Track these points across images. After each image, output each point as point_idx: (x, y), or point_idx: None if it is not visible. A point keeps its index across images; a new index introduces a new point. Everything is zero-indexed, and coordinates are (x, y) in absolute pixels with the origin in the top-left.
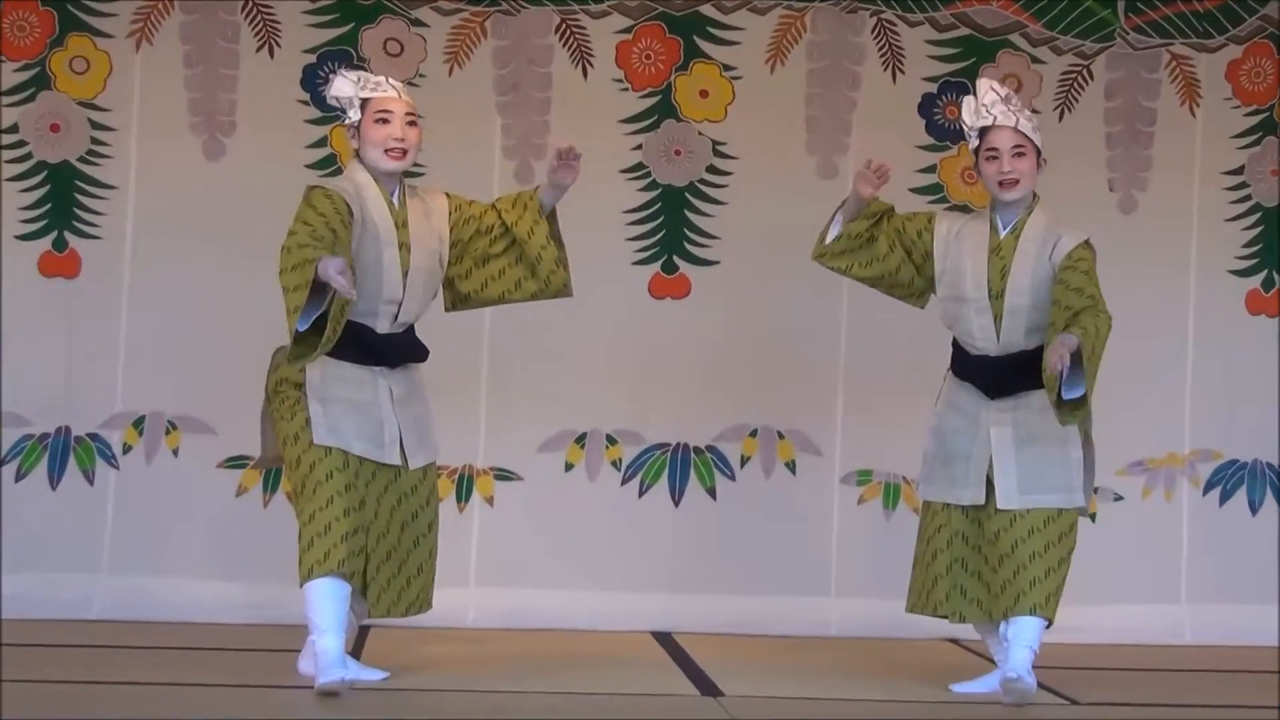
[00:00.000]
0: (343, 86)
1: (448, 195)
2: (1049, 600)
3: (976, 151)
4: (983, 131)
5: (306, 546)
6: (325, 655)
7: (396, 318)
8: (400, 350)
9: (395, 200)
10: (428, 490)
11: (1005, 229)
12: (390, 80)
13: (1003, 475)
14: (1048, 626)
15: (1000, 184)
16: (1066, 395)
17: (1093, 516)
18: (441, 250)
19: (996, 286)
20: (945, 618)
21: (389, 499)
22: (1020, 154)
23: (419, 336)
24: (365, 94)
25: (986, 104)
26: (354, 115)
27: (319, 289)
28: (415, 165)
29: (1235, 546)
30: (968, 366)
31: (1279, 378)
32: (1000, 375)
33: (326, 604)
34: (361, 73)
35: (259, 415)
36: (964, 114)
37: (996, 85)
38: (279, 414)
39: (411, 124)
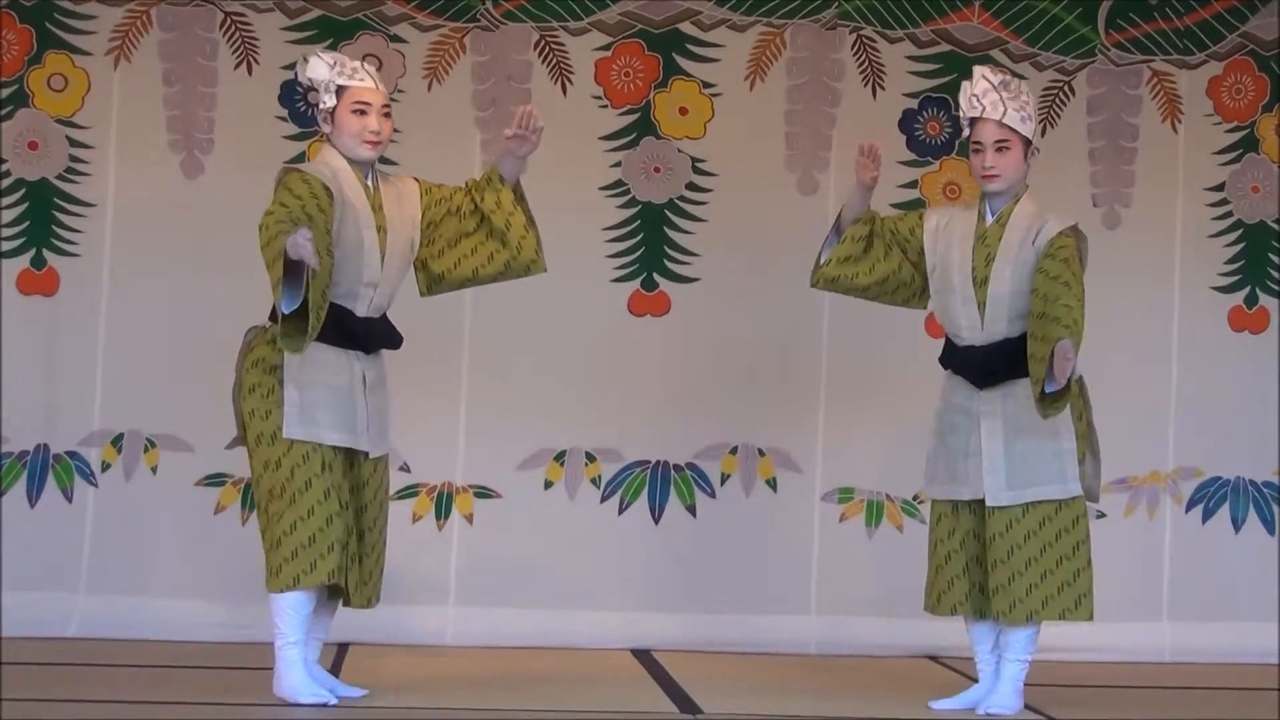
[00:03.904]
0: (318, 69)
1: (416, 179)
2: (1047, 604)
3: (967, 141)
4: (972, 122)
5: (290, 555)
6: (299, 665)
7: (373, 301)
8: (377, 335)
9: (370, 184)
10: (378, 482)
11: (992, 217)
12: (365, 66)
13: (991, 471)
14: (1089, 619)
15: (983, 177)
16: (1048, 389)
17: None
18: (413, 234)
19: (981, 274)
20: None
21: (348, 483)
22: (1003, 148)
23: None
24: (342, 81)
25: (978, 93)
26: (329, 101)
27: (294, 269)
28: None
29: (1218, 564)
30: (956, 358)
31: (1271, 394)
32: (986, 364)
33: (300, 614)
34: (336, 55)
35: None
36: (960, 101)
37: (990, 73)
38: (252, 406)
39: (386, 115)
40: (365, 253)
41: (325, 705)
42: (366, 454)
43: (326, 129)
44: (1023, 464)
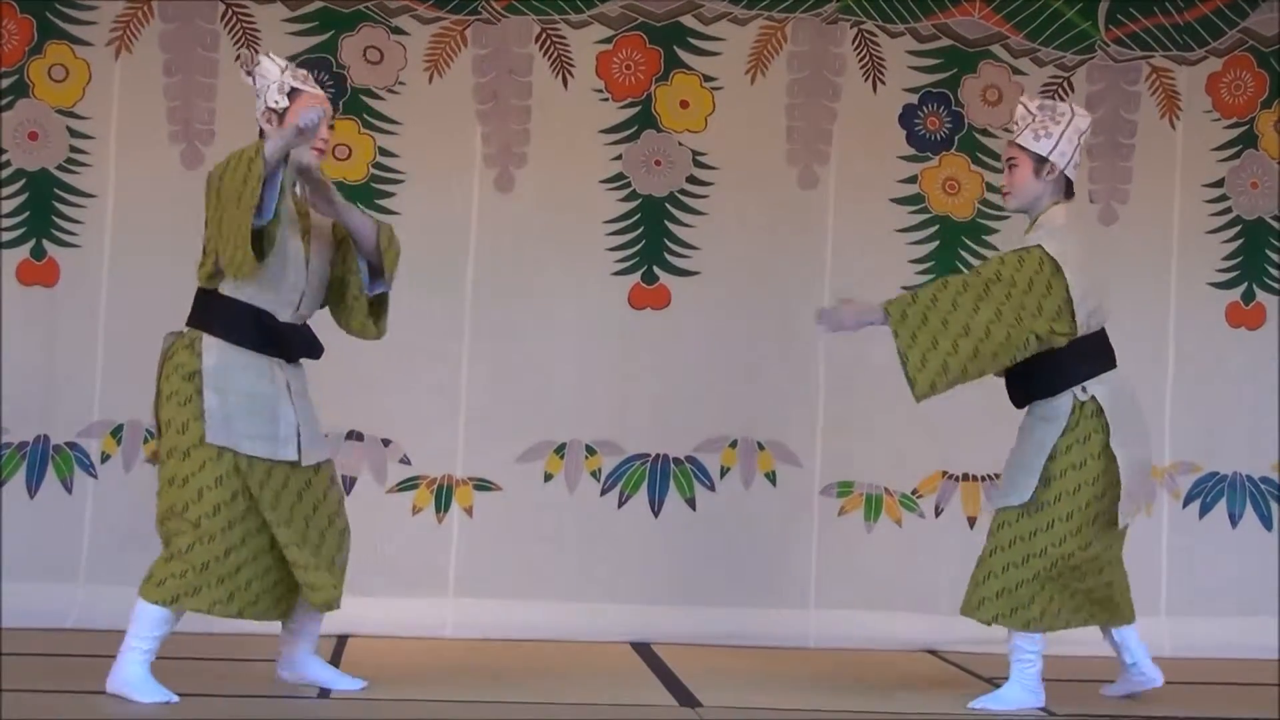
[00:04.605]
0: (269, 69)
1: None
2: (985, 604)
3: None
4: None
5: (179, 573)
6: (140, 666)
7: (298, 308)
8: (300, 344)
9: (296, 190)
10: (323, 485)
11: None
12: (310, 75)
13: None
14: (1023, 629)
15: (1003, 196)
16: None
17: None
18: (332, 256)
19: None
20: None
21: (287, 496)
22: (1012, 166)
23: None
24: (296, 84)
25: (1015, 120)
26: (280, 101)
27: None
28: (395, 172)
29: (1215, 559)
30: None
31: (1268, 389)
32: (1008, 385)
33: (160, 630)
34: (284, 60)
35: None
36: None
37: (1029, 102)
38: (169, 416)
39: (331, 126)
40: (290, 258)
41: (168, 703)
42: (296, 463)
43: (270, 129)
44: (1007, 473)
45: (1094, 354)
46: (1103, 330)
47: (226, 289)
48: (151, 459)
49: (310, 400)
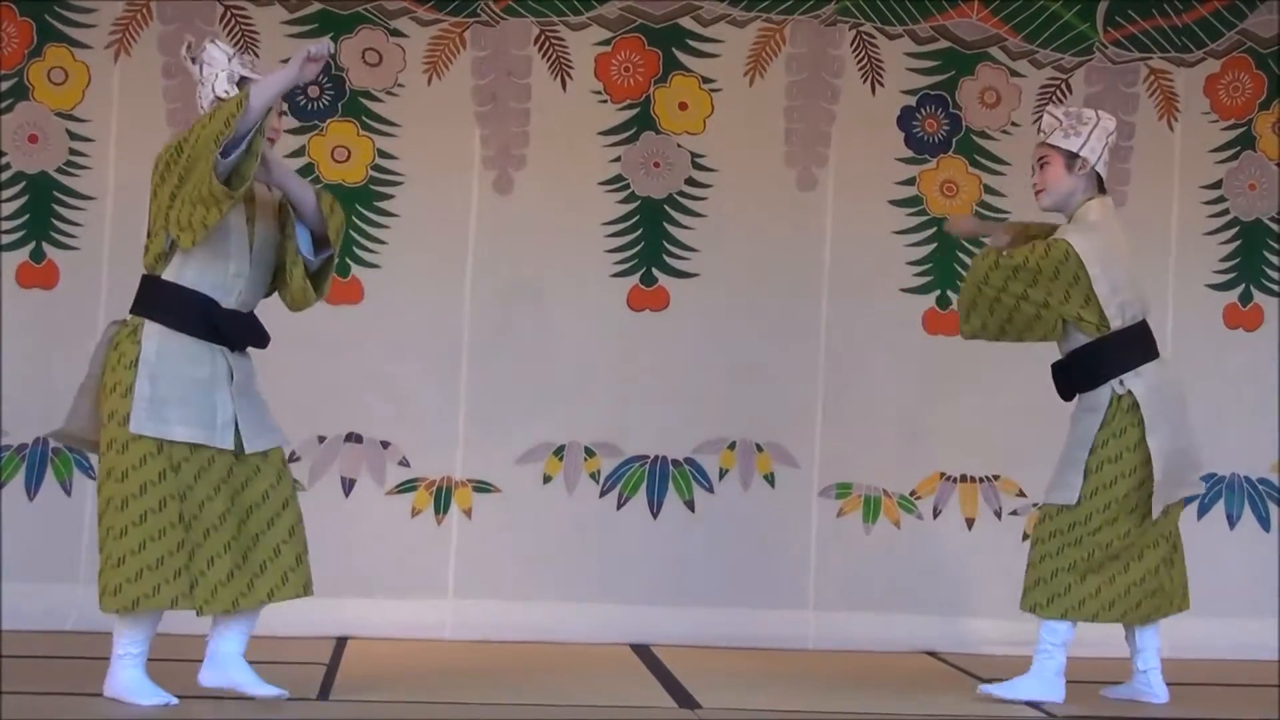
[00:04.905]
0: (217, 55)
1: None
2: (1026, 595)
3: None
4: None
5: (134, 575)
6: (134, 669)
7: (240, 293)
8: (243, 332)
9: None
10: (272, 473)
11: None
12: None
13: None
14: (1059, 618)
15: (1035, 195)
16: None
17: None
18: (279, 235)
19: None
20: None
21: (228, 489)
22: (1043, 164)
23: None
24: (245, 72)
25: (1043, 128)
26: (230, 91)
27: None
28: (394, 174)
29: (1213, 561)
30: None
31: (1265, 390)
32: (1054, 378)
33: (144, 631)
34: (232, 47)
35: None
36: None
37: (1055, 109)
38: (111, 408)
39: (280, 114)
40: (233, 240)
41: (167, 705)
42: (239, 452)
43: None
44: (1056, 469)
45: (1132, 347)
46: (1143, 322)
47: (169, 274)
48: (59, 439)
49: (257, 391)
